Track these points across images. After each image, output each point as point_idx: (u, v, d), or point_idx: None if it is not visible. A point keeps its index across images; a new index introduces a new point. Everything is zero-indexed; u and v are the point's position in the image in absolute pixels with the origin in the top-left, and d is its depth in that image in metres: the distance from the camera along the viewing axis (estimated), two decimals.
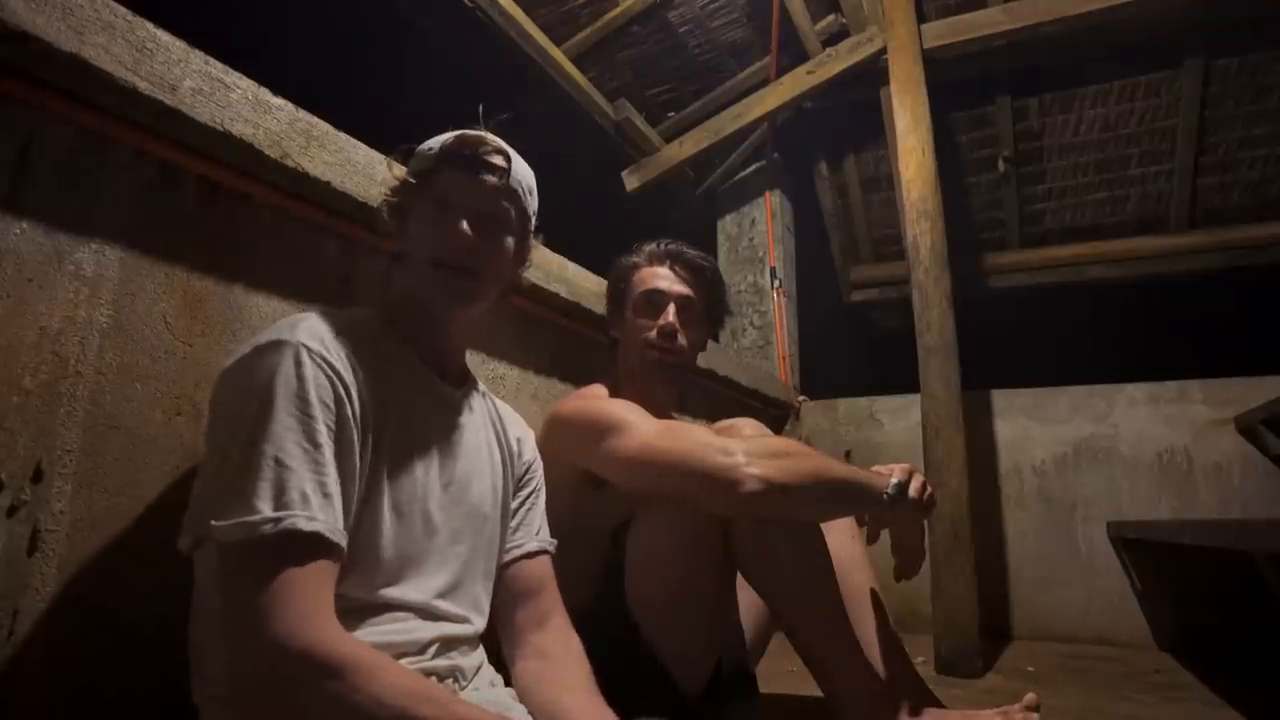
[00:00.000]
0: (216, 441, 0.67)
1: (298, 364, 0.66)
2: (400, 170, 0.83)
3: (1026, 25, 2.65)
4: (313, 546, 0.61)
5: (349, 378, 0.69)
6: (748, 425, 1.16)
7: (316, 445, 0.64)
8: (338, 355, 0.69)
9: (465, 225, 0.78)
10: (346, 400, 0.68)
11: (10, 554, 0.69)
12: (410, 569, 0.75)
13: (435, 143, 0.82)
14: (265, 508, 0.60)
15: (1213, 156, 3.11)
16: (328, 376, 0.67)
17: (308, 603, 0.59)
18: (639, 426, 1.06)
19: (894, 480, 1.08)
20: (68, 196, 0.76)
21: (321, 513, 0.62)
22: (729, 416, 1.22)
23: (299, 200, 0.99)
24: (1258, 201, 3.18)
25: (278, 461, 0.61)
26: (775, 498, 0.98)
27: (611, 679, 0.85)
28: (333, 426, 0.66)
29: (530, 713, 0.78)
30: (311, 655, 0.57)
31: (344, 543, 0.64)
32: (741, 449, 1.00)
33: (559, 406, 1.18)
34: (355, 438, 0.69)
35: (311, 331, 0.69)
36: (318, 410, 0.65)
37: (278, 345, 0.67)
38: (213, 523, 0.60)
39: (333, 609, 0.61)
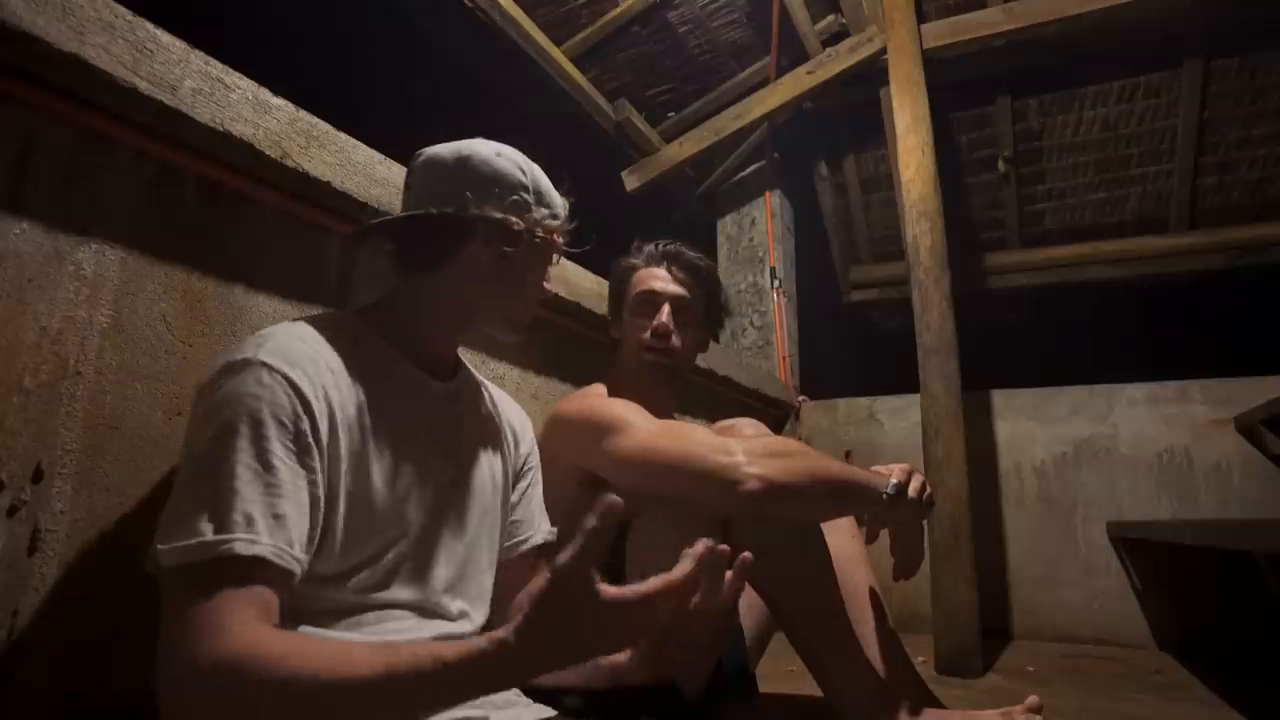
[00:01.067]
0: (180, 464, 0.67)
1: (257, 383, 0.65)
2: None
3: (1026, 25, 2.65)
4: (252, 570, 0.60)
5: (312, 393, 0.68)
6: (748, 425, 1.15)
7: (269, 467, 0.63)
8: (303, 371, 0.68)
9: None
10: (307, 417, 0.67)
11: (10, 554, 0.69)
12: (412, 568, 0.75)
13: None
14: (206, 530, 0.59)
15: (1213, 156, 3.11)
16: (287, 395, 0.66)
17: (228, 618, 0.57)
18: (639, 426, 1.06)
19: (893, 480, 1.08)
20: (68, 196, 0.76)
21: (268, 536, 0.60)
22: (729, 416, 1.22)
23: (299, 200, 0.99)
24: (1258, 201, 3.18)
25: (224, 484, 0.61)
26: (775, 497, 0.98)
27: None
28: (290, 446, 0.65)
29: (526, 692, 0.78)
30: (208, 662, 0.55)
31: (294, 565, 0.62)
32: (742, 449, 1.00)
33: (560, 406, 1.18)
34: (317, 455, 0.67)
35: (276, 349, 0.68)
36: (272, 430, 0.64)
37: (241, 365, 0.66)
38: (158, 546, 0.59)
39: (261, 621, 0.59)
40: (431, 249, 0.82)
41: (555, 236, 0.87)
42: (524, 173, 0.84)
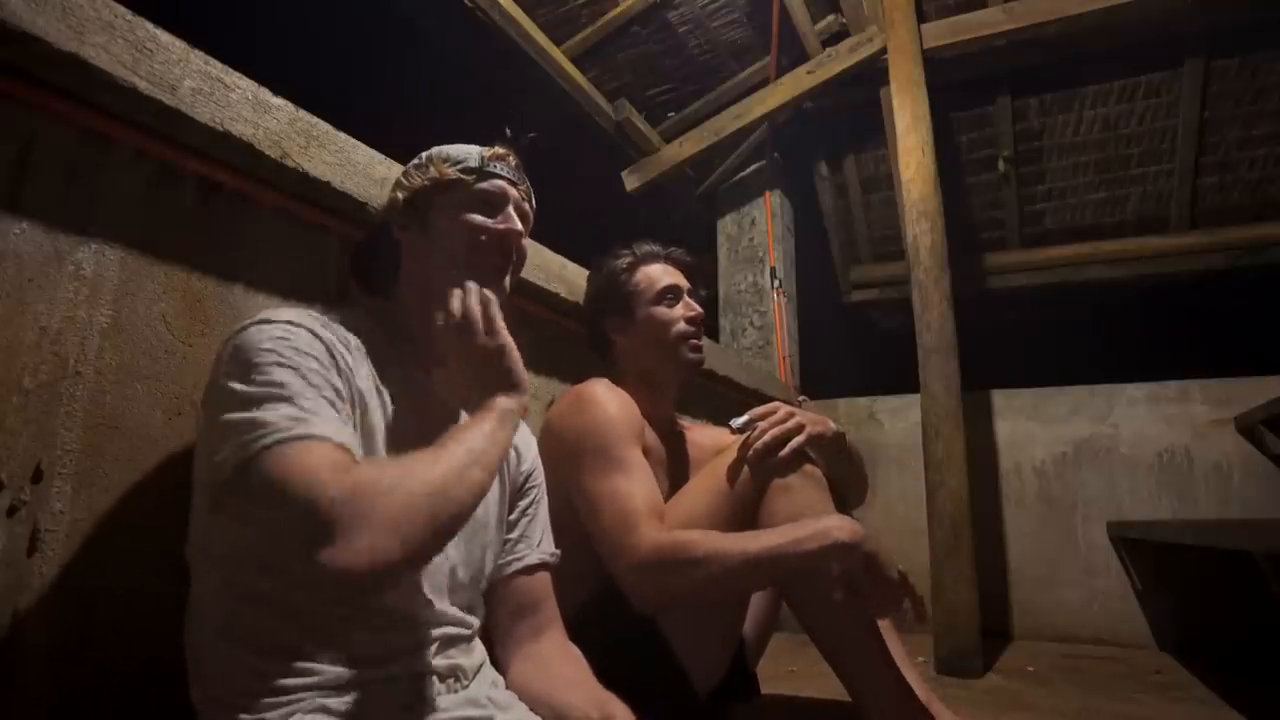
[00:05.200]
0: (214, 407, 0.66)
1: (290, 332, 0.67)
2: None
3: (1026, 25, 2.65)
4: (331, 445, 0.61)
5: (338, 352, 0.70)
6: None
7: (331, 404, 0.65)
8: (323, 335, 0.70)
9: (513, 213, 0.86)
10: (337, 370, 0.69)
11: (10, 554, 0.69)
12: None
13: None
14: (278, 422, 0.60)
15: (1213, 156, 3.11)
16: (317, 344, 0.68)
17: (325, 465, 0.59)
18: (623, 477, 1.05)
19: (742, 419, 1.13)
20: (68, 196, 0.76)
21: (336, 432, 0.62)
22: (729, 416, 1.21)
23: (299, 200, 0.99)
24: (1258, 201, 3.18)
25: (285, 399, 0.62)
26: (643, 590, 1.00)
27: (625, 673, 0.85)
28: (333, 385, 0.67)
29: (531, 709, 0.78)
30: (354, 503, 0.57)
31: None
32: (655, 535, 0.99)
33: (559, 414, 1.16)
34: (348, 410, 0.70)
35: (296, 314, 0.70)
36: (315, 365, 0.66)
37: (263, 321, 0.67)
38: (218, 461, 0.60)
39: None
40: (385, 265, 0.88)
41: (456, 174, 0.84)
42: (419, 156, 0.88)
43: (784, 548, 0.96)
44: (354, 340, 0.75)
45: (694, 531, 1.00)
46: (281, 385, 0.62)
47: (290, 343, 0.66)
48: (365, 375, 0.74)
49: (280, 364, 0.64)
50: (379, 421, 0.74)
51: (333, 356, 0.69)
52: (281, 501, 0.57)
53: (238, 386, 0.63)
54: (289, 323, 0.68)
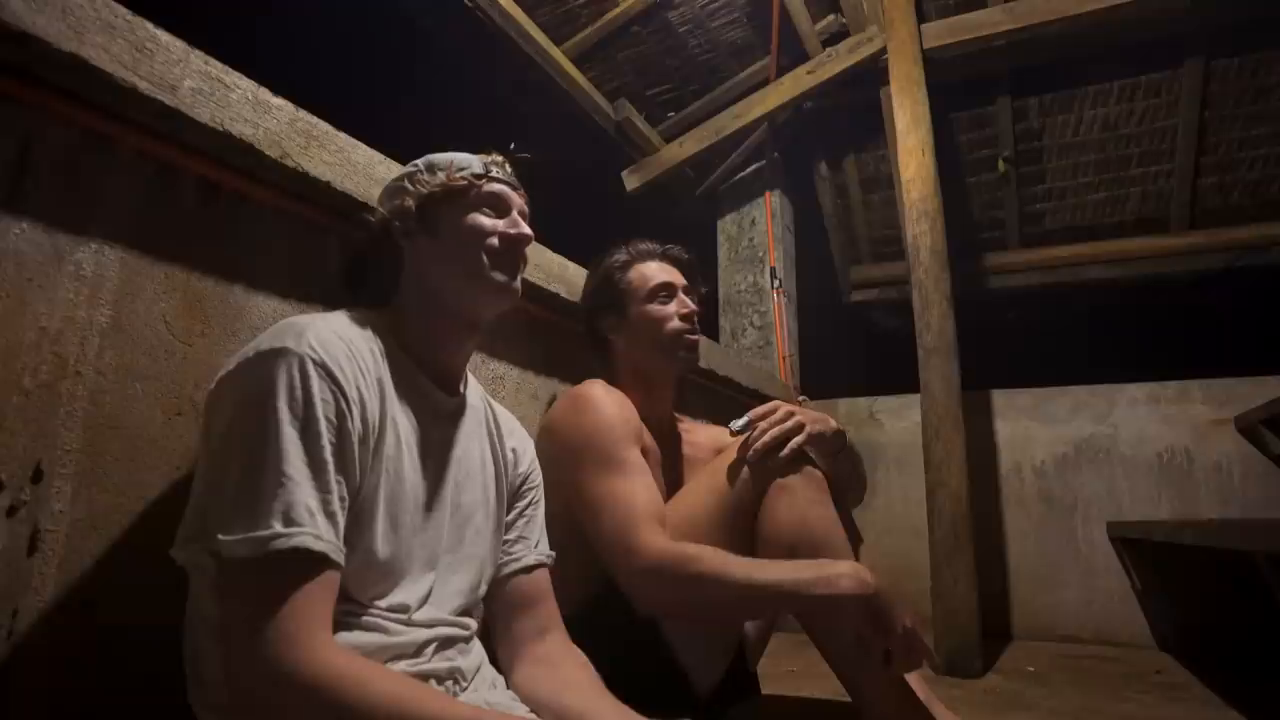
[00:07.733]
0: (219, 452, 0.66)
1: (303, 376, 0.65)
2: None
3: (1026, 25, 2.66)
4: (318, 565, 0.61)
5: (351, 391, 0.69)
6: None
7: (321, 464, 0.64)
8: (340, 366, 0.69)
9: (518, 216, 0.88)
10: (348, 415, 0.68)
11: (10, 554, 0.69)
12: (404, 573, 0.75)
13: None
14: (276, 524, 0.60)
15: (1213, 156, 3.12)
16: (332, 391, 0.67)
17: (304, 623, 0.59)
18: (622, 477, 1.05)
19: (742, 420, 1.11)
20: (68, 196, 0.75)
21: (325, 532, 0.62)
22: (729, 416, 1.21)
23: (299, 200, 0.99)
24: (1258, 201, 3.18)
25: (286, 477, 0.61)
26: (644, 596, 1.00)
27: (625, 672, 0.85)
28: (335, 443, 0.66)
29: (535, 712, 0.78)
30: (296, 677, 0.57)
31: (344, 561, 0.64)
32: (657, 543, 0.98)
33: (556, 417, 1.15)
34: (355, 453, 0.68)
35: (316, 340, 0.68)
36: (322, 427, 0.65)
37: (282, 353, 0.66)
38: (220, 537, 0.60)
39: (329, 626, 0.62)
40: (386, 272, 0.86)
41: (466, 179, 0.84)
42: (415, 163, 0.88)
43: (788, 587, 0.94)
44: (370, 361, 0.74)
45: (699, 546, 0.98)
46: (289, 467, 0.62)
47: (300, 400, 0.64)
48: (376, 404, 0.73)
49: (288, 431, 0.63)
50: (392, 440, 0.75)
51: (345, 398, 0.68)
52: (251, 636, 0.58)
53: (243, 447, 0.63)
54: (302, 364, 0.66)
